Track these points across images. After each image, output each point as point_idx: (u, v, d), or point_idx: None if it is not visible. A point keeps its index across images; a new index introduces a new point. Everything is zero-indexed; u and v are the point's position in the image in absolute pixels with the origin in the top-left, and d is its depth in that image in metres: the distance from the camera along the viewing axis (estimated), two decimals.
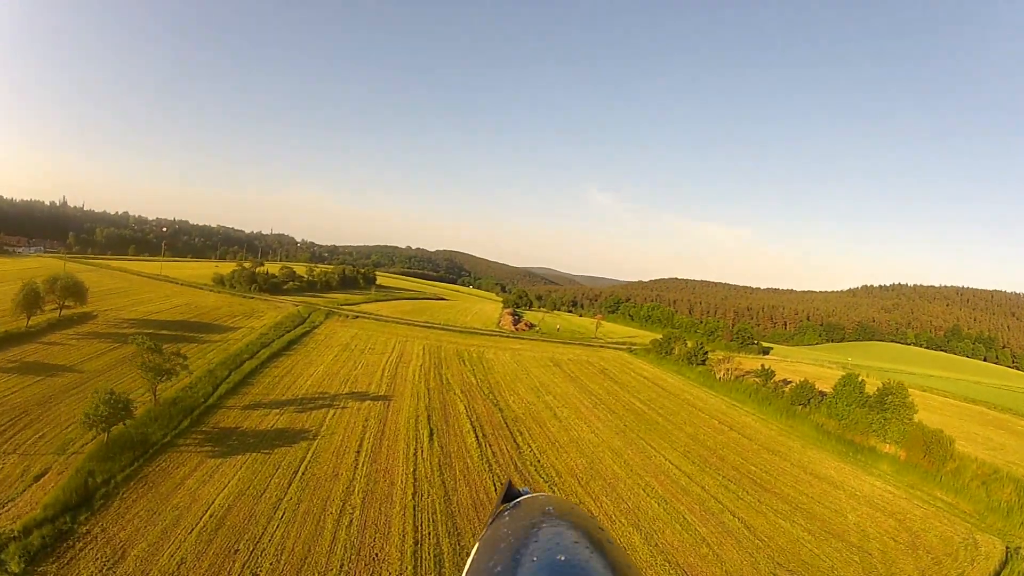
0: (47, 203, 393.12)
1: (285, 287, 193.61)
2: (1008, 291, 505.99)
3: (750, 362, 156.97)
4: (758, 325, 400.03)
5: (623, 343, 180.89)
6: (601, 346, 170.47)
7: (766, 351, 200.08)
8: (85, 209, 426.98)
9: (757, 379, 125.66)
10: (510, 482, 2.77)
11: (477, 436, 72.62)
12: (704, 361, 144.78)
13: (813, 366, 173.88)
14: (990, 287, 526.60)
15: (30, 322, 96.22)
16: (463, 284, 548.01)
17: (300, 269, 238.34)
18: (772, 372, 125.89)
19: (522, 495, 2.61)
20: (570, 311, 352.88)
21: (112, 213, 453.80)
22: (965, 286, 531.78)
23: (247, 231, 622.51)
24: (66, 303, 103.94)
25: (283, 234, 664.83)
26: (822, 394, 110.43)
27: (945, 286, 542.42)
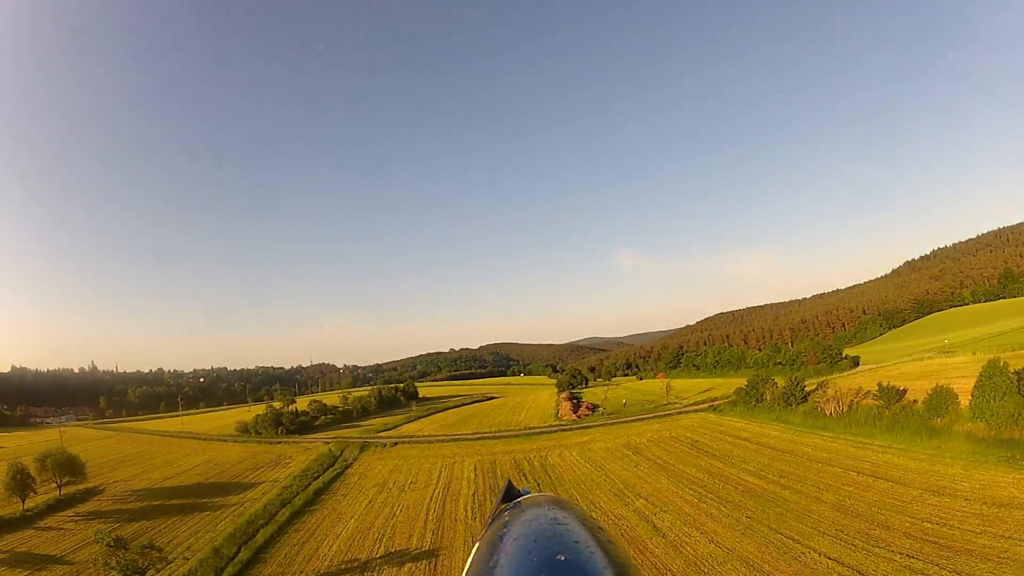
0: (76, 370, 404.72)
1: (316, 423, 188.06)
2: None
3: (847, 381, 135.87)
4: (817, 334, 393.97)
5: (701, 402, 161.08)
6: (679, 412, 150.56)
7: (856, 362, 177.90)
8: (117, 371, 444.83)
9: (876, 401, 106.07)
10: (510, 482, 3.08)
11: None
12: (806, 398, 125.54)
13: (913, 362, 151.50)
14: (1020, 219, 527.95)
15: (26, 505, 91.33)
16: (513, 374, 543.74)
17: (333, 399, 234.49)
18: (894, 388, 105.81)
19: (522, 495, 2.90)
20: (626, 375, 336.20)
21: (146, 371, 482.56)
22: (1000, 227, 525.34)
23: (287, 367, 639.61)
24: (65, 480, 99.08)
25: (324, 363, 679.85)
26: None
27: (982, 234, 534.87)
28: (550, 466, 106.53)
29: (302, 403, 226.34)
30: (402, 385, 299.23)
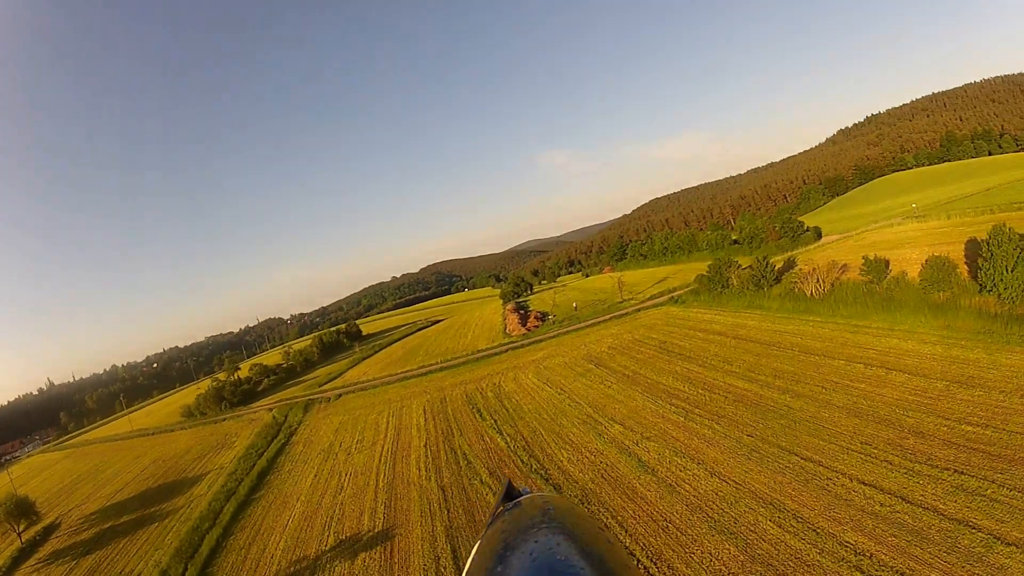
0: (35, 392, 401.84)
1: (260, 389, 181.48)
2: (977, 80, 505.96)
3: (818, 256, 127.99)
4: (759, 209, 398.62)
5: (659, 294, 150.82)
6: (636, 309, 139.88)
7: (819, 234, 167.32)
8: (74, 380, 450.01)
9: (862, 276, 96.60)
10: (510, 482, 2.91)
11: None
12: (779, 279, 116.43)
13: (883, 230, 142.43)
14: (959, 84, 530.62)
15: None
16: (457, 291, 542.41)
17: (275, 358, 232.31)
18: (880, 260, 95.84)
19: (522, 495, 2.75)
20: (570, 272, 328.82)
21: (100, 372, 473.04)
22: (934, 91, 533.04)
23: (236, 331, 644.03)
24: (22, 526, 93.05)
25: (271, 317, 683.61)
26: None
27: (917, 99, 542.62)
28: (505, 395, 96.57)
29: (248, 369, 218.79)
30: (343, 326, 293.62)
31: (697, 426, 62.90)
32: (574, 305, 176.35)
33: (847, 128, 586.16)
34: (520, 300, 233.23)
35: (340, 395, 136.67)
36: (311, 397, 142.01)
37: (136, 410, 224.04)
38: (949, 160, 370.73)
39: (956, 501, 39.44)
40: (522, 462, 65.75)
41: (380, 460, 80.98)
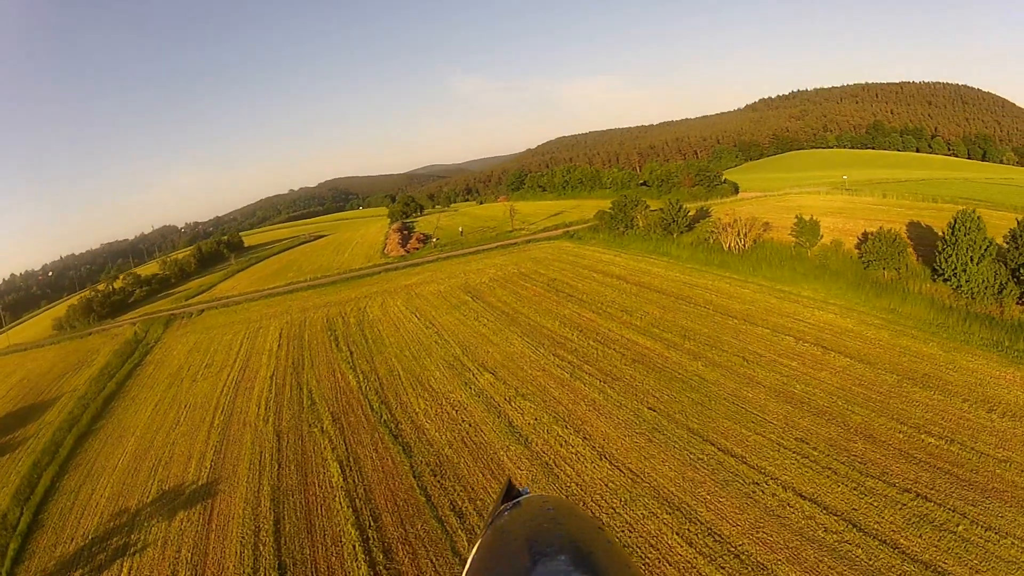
0: None
1: (132, 301, 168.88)
2: (915, 80, 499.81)
3: (735, 209, 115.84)
4: (667, 160, 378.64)
5: (553, 228, 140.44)
6: (527, 240, 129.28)
7: (736, 189, 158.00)
8: None
9: (792, 238, 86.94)
10: (510, 481, 2.87)
11: (368, 541, 37.40)
12: (691, 226, 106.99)
13: (811, 196, 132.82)
14: (894, 80, 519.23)
15: None
16: (352, 208, 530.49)
17: (152, 269, 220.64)
18: (812, 222, 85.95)
19: (522, 495, 2.67)
20: (467, 200, 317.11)
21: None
22: (867, 82, 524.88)
23: (131, 237, 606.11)
24: None
25: (166, 225, 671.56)
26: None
27: (847, 84, 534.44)
28: (369, 323, 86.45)
29: (122, 279, 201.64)
30: (225, 237, 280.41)
31: (585, 387, 52.15)
32: (460, 230, 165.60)
33: (770, 98, 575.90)
34: (408, 221, 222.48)
35: (203, 311, 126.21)
36: (175, 311, 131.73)
37: (21, 323, 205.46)
38: (874, 148, 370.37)
39: (921, 537, 30.90)
40: (371, 408, 55.52)
41: (222, 391, 70.70)
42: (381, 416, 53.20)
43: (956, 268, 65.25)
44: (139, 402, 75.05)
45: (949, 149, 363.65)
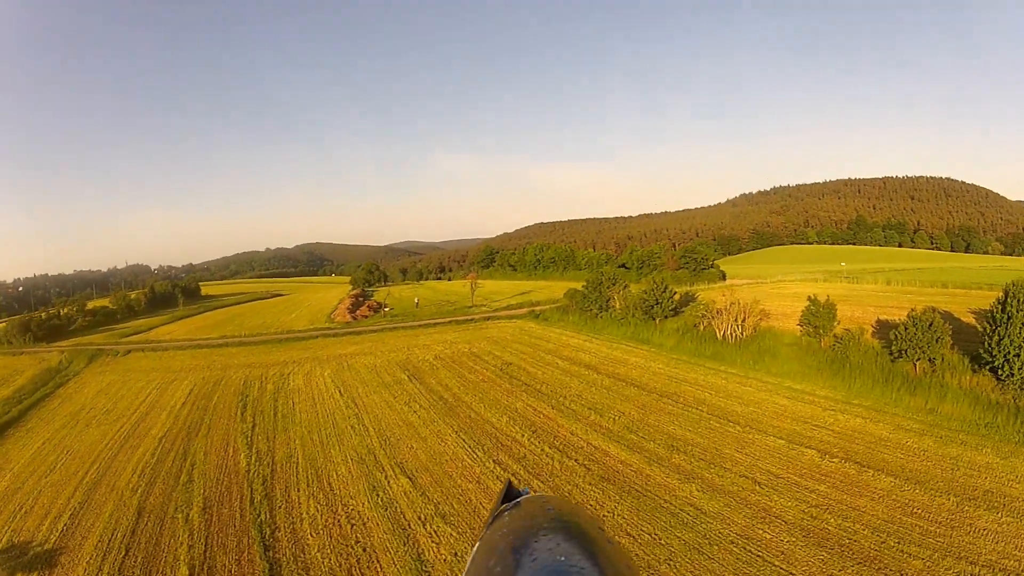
0: None
1: (73, 328, 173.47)
2: (896, 175, 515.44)
3: (720, 295, 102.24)
4: None
5: (518, 306, 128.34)
6: (486, 318, 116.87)
7: (723, 276, 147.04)
8: None
9: (798, 326, 74.12)
10: (510, 482, 2.88)
11: None
12: (677, 311, 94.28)
13: (808, 283, 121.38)
14: (876, 175, 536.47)
15: None
16: (325, 274, 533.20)
17: (103, 302, 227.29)
18: (828, 305, 72.89)
19: (522, 495, 2.68)
20: (439, 278, 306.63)
21: None
22: (850, 177, 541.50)
23: (104, 269, 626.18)
24: None
25: (138, 263, 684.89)
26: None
27: (829, 180, 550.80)
28: (285, 392, 75.28)
29: (66, 306, 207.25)
30: (182, 282, 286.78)
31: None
32: (415, 301, 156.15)
33: (750, 193, 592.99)
34: (368, 289, 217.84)
35: (130, 351, 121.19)
36: (105, 347, 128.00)
37: None
38: (856, 244, 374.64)
39: None
40: (251, 502, 43.79)
41: (107, 444, 62.37)
42: (259, 515, 41.33)
43: (1009, 352, 52.66)
44: (31, 436, 69.09)
45: (932, 243, 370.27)
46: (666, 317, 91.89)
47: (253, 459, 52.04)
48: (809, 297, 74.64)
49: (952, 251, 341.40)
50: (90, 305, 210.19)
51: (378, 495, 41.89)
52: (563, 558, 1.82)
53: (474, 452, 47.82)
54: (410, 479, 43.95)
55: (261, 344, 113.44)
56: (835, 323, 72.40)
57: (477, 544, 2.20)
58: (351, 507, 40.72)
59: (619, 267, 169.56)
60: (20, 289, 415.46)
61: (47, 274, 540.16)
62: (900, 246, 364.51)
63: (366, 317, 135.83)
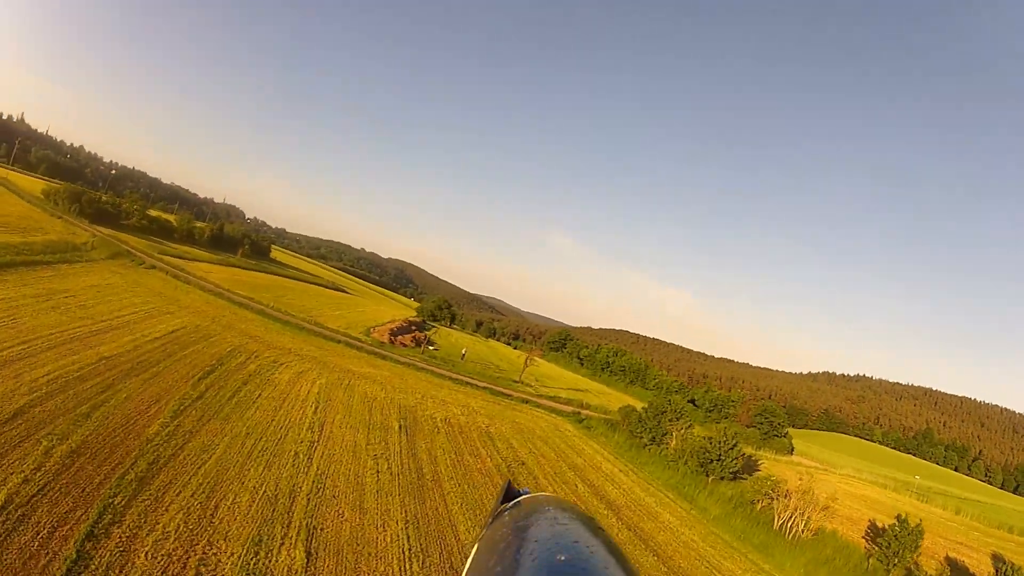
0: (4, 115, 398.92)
1: (122, 221, 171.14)
2: (975, 398, 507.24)
3: (788, 473, 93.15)
4: None
5: (566, 400, 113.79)
6: (526, 400, 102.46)
7: (791, 449, 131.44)
8: (45, 132, 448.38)
9: (868, 545, 64.73)
10: (509, 482, 2.88)
11: None
12: (737, 476, 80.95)
13: (874, 487, 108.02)
14: (957, 392, 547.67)
15: None
16: (404, 295, 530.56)
17: (169, 216, 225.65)
18: (916, 530, 61.56)
19: (522, 495, 2.69)
20: (508, 343, 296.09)
21: (68, 143, 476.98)
22: (932, 387, 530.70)
23: (201, 195, 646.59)
24: None
25: (234, 206, 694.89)
26: None
27: (912, 385, 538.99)
28: (261, 381, 63.18)
29: (129, 203, 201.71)
30: (256, 236, 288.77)
31: None
32: (463, 351, 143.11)
33: (833, 373, 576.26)
34: (428, 321, 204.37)
35: (155, 267, 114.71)
36: (136, 251, 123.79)
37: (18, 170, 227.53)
38: (915, 455, 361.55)
39: None
40: (114, 478, 34.18)
41: (48, 335, 55.21)
42: (112, 496, 32.41)
43: None
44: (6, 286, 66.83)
45: (986, 475, 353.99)
46: (722, 478, 77.66)
47: (167, 431, 41.73)
48: (898, 516, 64.12)
49: (1002, 488, 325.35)
50: (153, 213, 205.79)
51: (255, 554, 30.23)
52: (563, 558, 1.81)
53: (411, 562, 34.38)
54: (308, 555, 31.94)
55: (281, 323, 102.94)
56: (916, 553, 61.62)
57: (477, 544, 2.22)
58: (213, 552, 29.41)
59: (688, 402, 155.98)
60: (113, 172, 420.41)
61: (146, 173, 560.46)
62: (956, 470, 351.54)
63: (404, 346, 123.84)
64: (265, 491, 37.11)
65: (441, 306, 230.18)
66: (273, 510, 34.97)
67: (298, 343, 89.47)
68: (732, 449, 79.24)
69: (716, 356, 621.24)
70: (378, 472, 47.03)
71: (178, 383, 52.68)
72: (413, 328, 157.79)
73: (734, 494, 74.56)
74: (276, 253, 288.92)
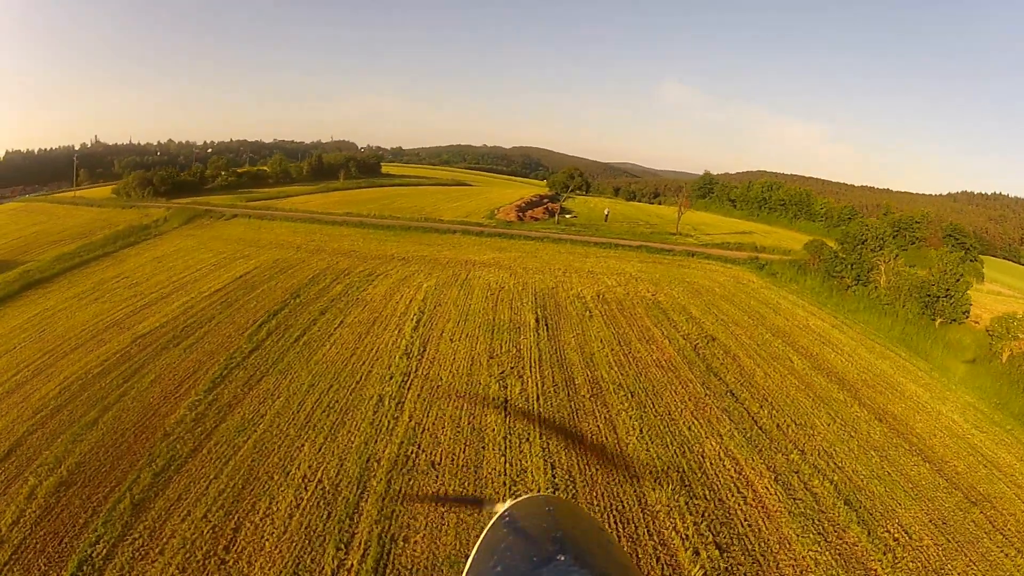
0: (77, 146, 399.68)
1: (208, 187, 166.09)
2: None
3: (984, 300, 78.15)
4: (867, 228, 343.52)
5: (735, 246, 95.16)
6: (690, 252, 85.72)
7: (981, 275, 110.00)
8: (122, 144, 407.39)
9: None
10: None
11: None
12: (967, 313, 63.59)
13: None
14: None
15: None
16: (536, 179, 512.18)
17: (264, 168, 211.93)
18: None
19: (522, 495, 2.76)
20: (650, 203, 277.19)
21: (154, 143, 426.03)
22: None
23: (308, 141, 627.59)
24: None
25: (344, 140, 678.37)
26: None
27: None
28: (345, 305, 52.83)
29: (212, 167, 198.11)
30: (362, 155, 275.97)
31: None
32: (605, 212, 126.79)
33: (971, 192, 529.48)
34: (560, 193, 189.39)
35: (236, 215, 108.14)
36: (216, 208, 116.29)
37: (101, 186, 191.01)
38: None
39: None
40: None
41: (78, 335, 48.22)
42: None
43: None
44: (30, 306, 58.06)
45: None
46: (950, 322, 60.75)
47: (196, 414, 32.55)
48: None
49: None
50: (242, 170, 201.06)
51: None
52: (563, 558, 1.85)
53: None
54: None
55: (384, 230, 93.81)
56: None
57: (478, 544, 2.28)
58: None
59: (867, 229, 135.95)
60: (209, 151, 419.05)
61: (246, 140, 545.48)
62: None
63: (535, 220, 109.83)
64: (320, 482, 25.34)
65: (571, 175, 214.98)
66: (328, 515, 23.10)
67: (404, 246, 79.07)
68: (957, 282, 61.76)
69: (857, 185, 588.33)
70: (506, 400, 33.42)
71: (229, 340, 44.58)
72: (545, 201, 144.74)
73: (972, 343, 57.45)
74: (388, 168, 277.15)
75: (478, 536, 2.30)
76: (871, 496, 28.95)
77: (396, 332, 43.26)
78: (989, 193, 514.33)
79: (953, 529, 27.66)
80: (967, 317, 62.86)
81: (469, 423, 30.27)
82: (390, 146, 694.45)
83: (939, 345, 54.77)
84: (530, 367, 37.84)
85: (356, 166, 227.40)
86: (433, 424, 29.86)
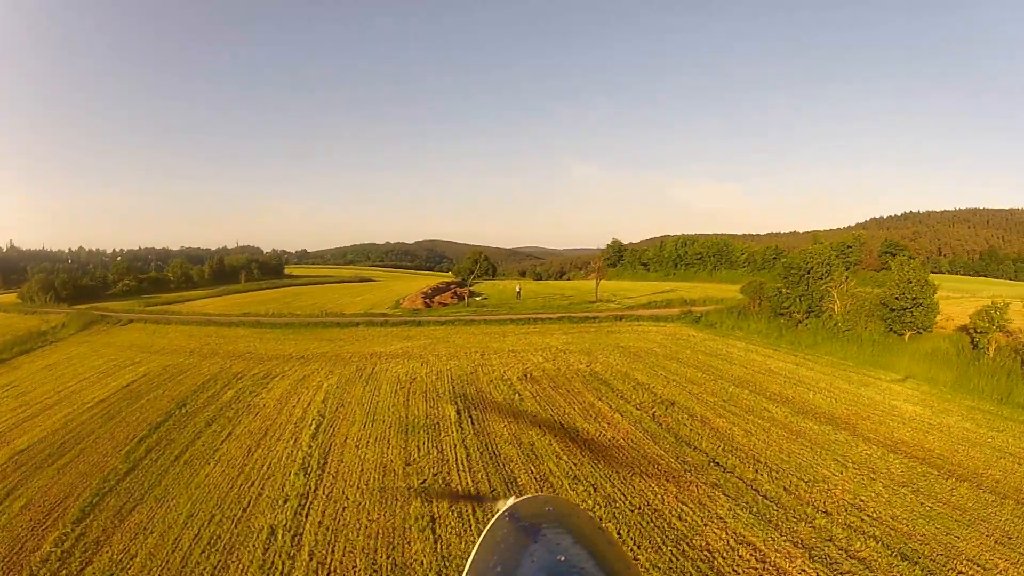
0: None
1: (109, 292, 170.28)
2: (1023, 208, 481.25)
3: (943, 305, 68.80)
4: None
5: (662, 304, 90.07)
6: (617, 316, 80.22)
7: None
8: (35, 250, 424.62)
9: None
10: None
11: None
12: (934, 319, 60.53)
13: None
14: (1005, 206, 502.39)
15: None
16: (441, 271, 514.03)
17: (166, 273, 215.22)
18: None
19: (522, 496, 2.70)
20: (558, 280, 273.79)
21: (66, 251, 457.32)
22: (978, 207, 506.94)
23: (213, 248, 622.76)
24: None
25: (248, 245, 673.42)
26: None
27: (960, 208, 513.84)
28: (236, 412, 45.60)
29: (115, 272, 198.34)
30: (264, 258, 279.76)
31: None
32: (517, 289, 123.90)
33: (880, 218, 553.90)
34: (467, 279, 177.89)
35: (132, 321, 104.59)
36: (112, 313, 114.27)
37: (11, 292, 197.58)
38: (987, 276, 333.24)
39: None
40: None
41: None
42: None
43: None
44: None
45: None
46: (924, 330, 57.20)
47: (61, 551, 26.18)
48: None
49: None
50: (147, 275, 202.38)
51: None
52: (563, 558, 1.85)
53: None
54: None
55: (283, 328, 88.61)
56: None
57: (477, 544, 2.25)
58: None
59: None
60: (119, 259, 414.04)
61: (154, 248, 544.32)
62: None
63: (444, 305, 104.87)
64: None
65: (477, 259, 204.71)
66: None
67: (304, 343, 73.29)
68: (921, 288, 57.38)
69: (763, 233, 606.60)
70: (432, 520, 25.27)
71: (105, 459, 37.70)
72: (452, 286, 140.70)
73: (949, 346, 54.47)
74: (292, 269, 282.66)
75: (479, 536, 2.31)
76: (924, 540, 23.80)
77: (291, 442, 35.74)
78: (899, 214, 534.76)
79: (1020, 542, 24.29)
80: (935, 324, 59.31)
81: (387, 556, 22.09)
82: (295, 249, 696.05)
83: (916, 358, 51.43)
84: (458, 470, 30.05)
85: (259, 268, 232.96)
86: (341, 562, 21.95)
